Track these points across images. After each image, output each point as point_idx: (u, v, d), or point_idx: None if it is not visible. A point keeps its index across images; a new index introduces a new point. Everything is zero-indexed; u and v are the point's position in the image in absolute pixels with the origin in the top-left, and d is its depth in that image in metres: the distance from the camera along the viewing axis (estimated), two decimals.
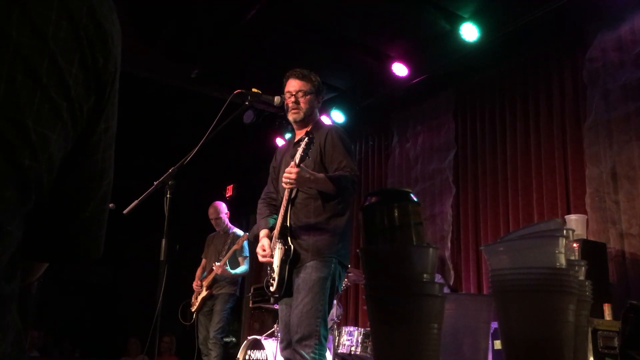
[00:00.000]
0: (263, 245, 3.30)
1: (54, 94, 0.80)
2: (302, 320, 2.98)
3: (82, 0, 0.86)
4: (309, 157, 3.07)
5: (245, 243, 5.95)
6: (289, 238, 3.18)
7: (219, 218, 6.18)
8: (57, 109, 0.81)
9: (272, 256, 3.24)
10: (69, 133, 0.84)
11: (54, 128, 0.81)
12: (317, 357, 2.95)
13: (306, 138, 3.04)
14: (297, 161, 3.03)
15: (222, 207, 6.25)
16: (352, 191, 3.25)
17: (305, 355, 2.94)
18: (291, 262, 3.15)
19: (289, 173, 3.02)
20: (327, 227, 3.16)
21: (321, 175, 3.12)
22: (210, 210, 6.23)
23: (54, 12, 0.81)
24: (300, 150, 3.03)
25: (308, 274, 3.09)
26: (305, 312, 2.99)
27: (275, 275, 3.18)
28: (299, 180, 3.03)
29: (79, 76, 0.84)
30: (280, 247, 3.18)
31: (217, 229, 6.27)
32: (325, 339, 3.03)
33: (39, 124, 0.79)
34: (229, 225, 6.26)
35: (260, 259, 3.32)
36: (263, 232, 3.38)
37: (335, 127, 3.45)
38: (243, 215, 8.55)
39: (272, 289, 3.19)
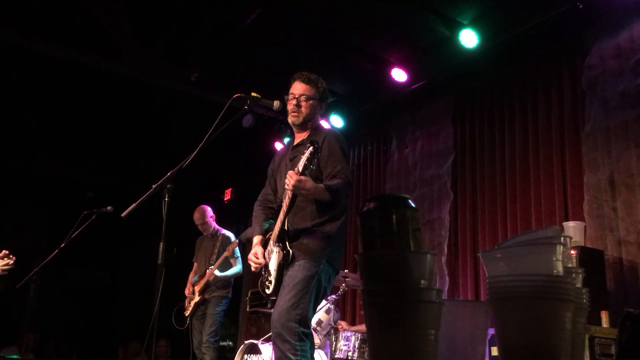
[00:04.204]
0: (256, 253, 3.27)
1: None
2: (282, 316, 2.95)
3: None
4: (313, 167, 3.03)
5: (236, 249, 5.93)
6: (287, 243, 3.16)
7: (205, 223, 6.14)
8: None
9: (265, 264, 3.24)
10: None
11: None
12: (298, 353, 2.90)
13: (311, 147, 2.99)
14: (300, 169, 3.00)
15: (208, 211, 6.20)
16: (345, 202, 3.25)
17: (286, 352, 2.90)
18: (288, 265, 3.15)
19: (291, 178, 2.99)
20: (321, 230, 3.16)
21: (321, 185, 3.10)
22: (196, 216, 6.17)
23: None
24: (304, 158, 2.99)
25: (295, 272, 3.08)
26: (286, 308, 2.96)
27: (272, 278, 3.16)
28: (298, 187, 3.00)
29: None
30: (278, 250, 3.16)
31: (204, 234, 6.24)
32: (306, 336, 2.98)
33: None
34: (216, 227, 6.22)
35: (253, 267, 3.29)
36: (257, 239, 3.35)
37: (333, 132, 3.42)
38: (241, 219, 8.54)
39: (268, 291, 3.18)
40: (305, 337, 2.96)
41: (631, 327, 1.38)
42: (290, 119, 3.39)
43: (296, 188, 3.01)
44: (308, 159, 2.98)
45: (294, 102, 3.34)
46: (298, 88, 3.36)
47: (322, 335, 5.04)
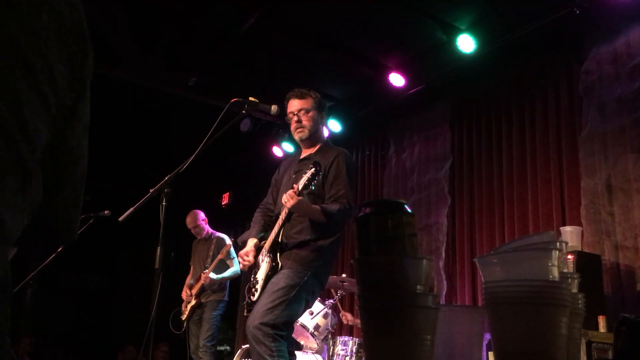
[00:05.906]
0: (247, 252, 3.31)
1: (45, 88, 0.89)
2: (256, 319, 2.99)
3: (66, 3, 0.95)
4: (312, 188, 3.07)
5: (231, 250, 5.93)
6: (278, 254, 3.20)
7: (197, 226, 6.16)
8: (47, 103, 0.90)
9: (256, 265, 3.28)
10: (52, 124, 0.93)
11: (44, 120, 0.90)
12: (275, 354, 2.93)
13: (313, 169, 3.03)
14: (299, 188, 3.04)
15: (200, 214, 6.22)
16: (342, 224, 3.31)
17: (262, 354, 2.93)
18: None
19: (290, 197, 3.03)
20: (313, 244, 3.20)
21: (317, 207, 3.15)
22: (188, 220, 6.19)
23: (45, 14, 0.90)
24: (304, 178, 3.04)
25: (278, 279, 3.12)
26: (261, 312, 3.00)
27: (259, 287, 3.21)
28: (295, 207, 3.06)
29: (65, 73, 0.94)
30: (268, 261, 3.20)
31: (197, 237, 6.26)
32: (281, 337, 3.00)
33: (34, 116, 0.87)
34: (210, 230, 6.23)
35: (241, 265, 3.33)
36: (252, 241, 3.39)
37: (344, 153, 3.41)
38: (239, 223, 8.54)
39: (254, 298, 3.21)
40: (280, 337, 2.99)
41: (627, 332, 1.38)
42: (296, 136, 3.45)
43: (293, 208, 3.07)
44: (308, 179, 3.03)
45: (295, 118, 3.40)
46: (295, 105, 3.42)
47: (319, 339, 5.03)
